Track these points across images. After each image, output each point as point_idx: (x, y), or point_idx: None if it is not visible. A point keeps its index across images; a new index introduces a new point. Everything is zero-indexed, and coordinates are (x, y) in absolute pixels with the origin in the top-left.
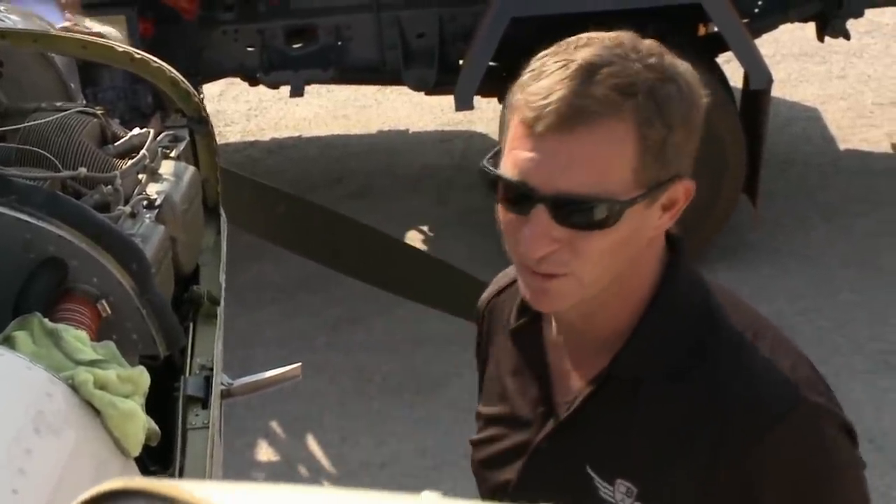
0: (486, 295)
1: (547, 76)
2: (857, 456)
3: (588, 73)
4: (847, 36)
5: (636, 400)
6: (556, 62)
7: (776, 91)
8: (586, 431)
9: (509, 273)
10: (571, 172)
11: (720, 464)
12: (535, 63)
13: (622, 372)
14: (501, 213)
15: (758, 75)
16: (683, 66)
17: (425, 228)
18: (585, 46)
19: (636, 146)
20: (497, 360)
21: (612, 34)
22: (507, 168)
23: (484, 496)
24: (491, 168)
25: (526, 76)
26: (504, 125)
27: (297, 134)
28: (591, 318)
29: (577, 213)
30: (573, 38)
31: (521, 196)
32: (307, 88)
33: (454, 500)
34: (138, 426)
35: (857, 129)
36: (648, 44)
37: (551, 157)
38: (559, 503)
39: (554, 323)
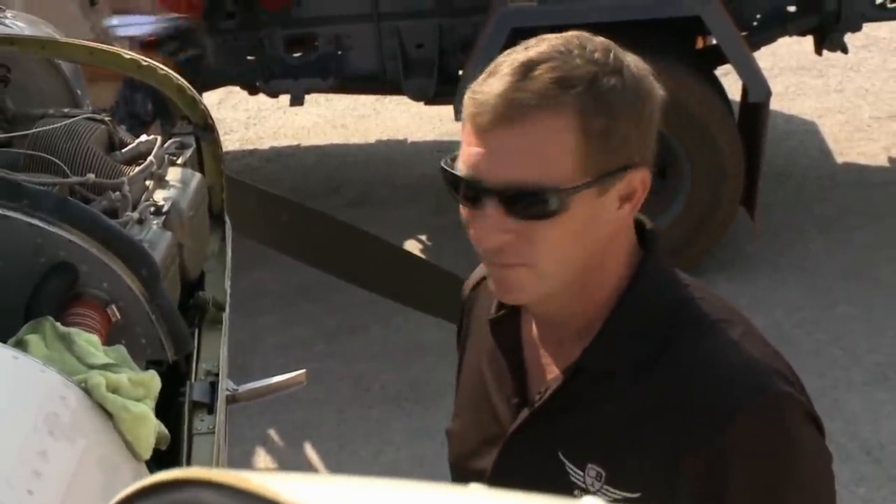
0: (468, 284)
1: (493, 75)
2: (824, 446)
3: (527, 69)
4: (845, 50)
5: (606, 390)
6: (505, 62)
7: (774, 104)
8: (559, 419)
9: None
10: (515, 164)
11: (683, 452)
12: (490, 65)
13: (593, 364)
14: (462, 211)
15: (756, 88)
16: (632, 61)
17: (423, 238)
18: (534, 46)
19: (578, 136)
20: (476, 350)
21: (564, 34)
22: (460, 165)
23: None
24: (447, 166)
25: (479, 77)
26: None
27: (295, 143)
28: (560, 312)
29: (523, 203)
30: (528, 40)
31: (473, 190)
32: (306, 97)
33: (502, 490)
34: (150, 429)
35: (854, 143)
36: (597, 41)
37: (496, 151)
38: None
39: (529, 315)
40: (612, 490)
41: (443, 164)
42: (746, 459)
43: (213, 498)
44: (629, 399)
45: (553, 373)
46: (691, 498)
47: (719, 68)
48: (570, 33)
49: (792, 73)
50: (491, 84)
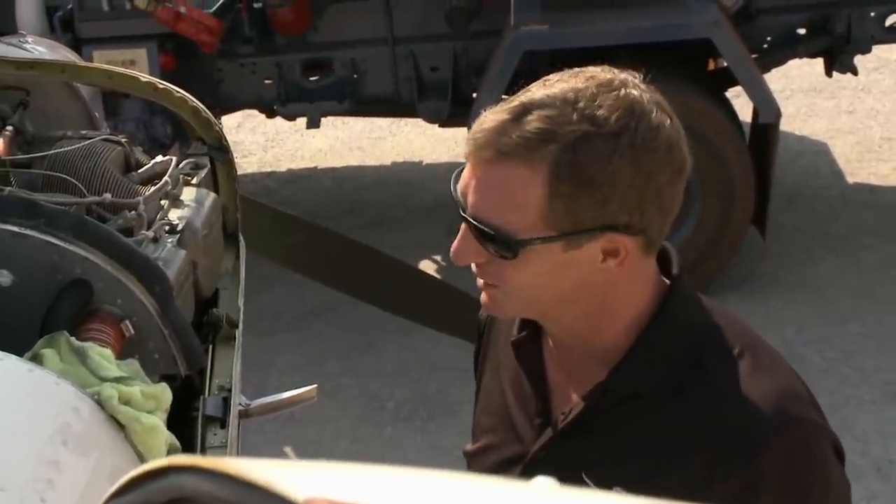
0: None
1: (500, 104)
2: (845, 475)
3: (522, 112)
4: (854, 71)
5: (633, 412)
6: (519, 96)
7: (785, 125)
8: (584, 440)
9: None
10: (481, 199)
11: (718, 477)
12: (518, 92)
13: (621, 385)
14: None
15: (766, 110)
16: (651, 125)
17: (438, 258)
18: (550, 86)
19: (545, 191)
20: (497, 370)
21: (597, 75)
22: (459, 181)
23: None
24: (452, 179)
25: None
26: None
27: (312, 165)
28: (567, 334)
29: (481, 236)
30: (576, 69)
31: (459, 208)
32: (323, 120)
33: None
34: (161, 441)
35: (865, 164)
36: (613, 95)
37: (475, 182)
38: None
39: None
40: None
41: (454, 175)
42: (777, 485)
43: (193, 482)
44: (658, 422)
45: (577, 392)
46: None
47: (730, 90)
48: (601, 76)
49: (804, 94)
50: (488, 117)
